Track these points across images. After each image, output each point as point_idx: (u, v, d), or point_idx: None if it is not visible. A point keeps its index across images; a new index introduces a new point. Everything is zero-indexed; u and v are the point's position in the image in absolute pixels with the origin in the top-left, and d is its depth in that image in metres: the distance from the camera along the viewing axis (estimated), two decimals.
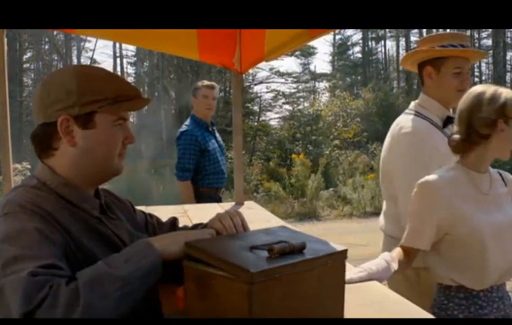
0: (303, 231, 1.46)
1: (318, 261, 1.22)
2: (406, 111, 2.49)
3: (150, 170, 15.16)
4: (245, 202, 3.24)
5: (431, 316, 1.44)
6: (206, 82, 4.41)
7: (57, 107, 1.29)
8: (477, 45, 33.45)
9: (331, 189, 13.62)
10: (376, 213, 11.50)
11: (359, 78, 35.22)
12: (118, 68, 30.17)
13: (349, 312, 1.40)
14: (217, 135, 4.52)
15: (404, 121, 2.38)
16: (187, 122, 4.33)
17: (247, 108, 24.95)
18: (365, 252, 7.40)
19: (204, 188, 4.21)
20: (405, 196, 2.16)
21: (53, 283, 1.04)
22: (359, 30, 34.04)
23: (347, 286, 1.37)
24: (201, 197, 4.14)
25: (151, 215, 1.72)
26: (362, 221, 11.05)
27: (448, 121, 2.36)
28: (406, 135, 2.30)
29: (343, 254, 1.32)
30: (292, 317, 1.17)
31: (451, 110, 2.42)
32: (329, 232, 9.43)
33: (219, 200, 4.23)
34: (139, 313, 1.21)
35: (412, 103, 2.50)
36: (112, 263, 1.15)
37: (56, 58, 27.93)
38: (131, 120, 30.47)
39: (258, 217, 2.77)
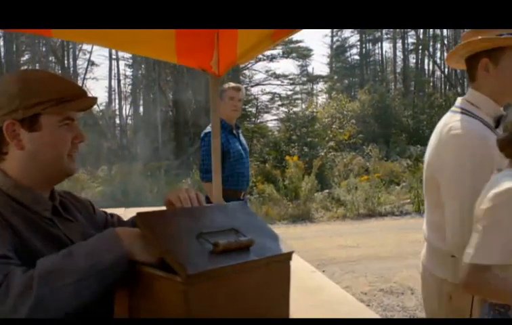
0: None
1: (262, 261, 1.24)
2: (453, 109, 2.21)
3: (145, 172, 15.14)
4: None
5: (374, 314, 1.46)
6: (232, 84, 4.46)
7: (1, 112, 1.32)
8: None
9: (326, 191, 13.63)
10: (370, 215, 11.56)
11: (356, 80, 35.22)
12: (115, 70, 30.22)
13: (300, 312, 1.42)
14: (242, 138, 4.55)
15: (454, 121, 2.09)
16: None
17: (244, 110, 24.94)
18: (354, 254, 7.45)
19: (225, 190, 4.24)
20: (454, 204, 1.99)
21: (8, 271, 1.08)
22: (356, 31, 34.10)
23: (300, 286, 1.39)
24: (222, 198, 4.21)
25: (112, 215, 1.73)
26: (355, 222, 11.06)
27: (501, 120, 2.05)
28: (457, 137, 2.03)
29: (288, 256, 1.33)
30: (233, 317, 1.18)
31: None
32: (321, 234, 9.45)
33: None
34: (92, 310, 1.23)
35: (459, 100, 2.23)
36: (74, 251, 1.18)
37: (53, 60, 27.92)
38: (129, 122, 30.55)
39: None
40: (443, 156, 2.09)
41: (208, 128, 4.30)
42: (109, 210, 1.75)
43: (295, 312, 1.40)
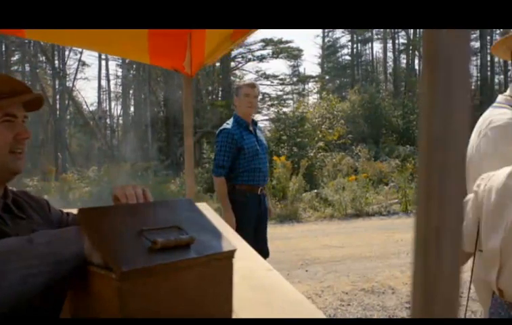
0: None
1: (201, 259, 1.25)
2: (494, 104, 2.09)
3: (133, 173, 15.12)
4: (197, 204, 3.26)
5: (322, 314, 1.46)
6: (247, 81, 4.53)
7: None
8: None
9: (314, 191, 13.65)
10: (357, 215, 11.59)
11: (347, 80, 35.33)
12: (104, 71, 30.12)
13: (248, 310, 1.43)
14: (259, 134, 4.60)
15: (493, 115, 1.98)
16: (230, 120, 4.45)
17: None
18: (338, 254, 7.46)
19: (240, 185, 4.28)
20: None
21: None
22: (347, 31, 34.18)
23: (255, 284, 1.40)
24: (237, 194, 4.25)
25: (68, 213, 1.74)
26: (342, 222, 11.09)
27: None
28: (495, 129, 1.91)
29: (230, 254, 1.33)
30: (171, 315, 1.19)
31: None
32: (307, 234, 9.47)
33: (256, 198, 4.32)
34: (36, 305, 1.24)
35: (500, 97, 2.10)
36: (35, 239, 1.18)
37: (44, 60, 27.82)
38: (119, 122, 30.48)
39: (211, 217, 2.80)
40: (481, 150, 1.96)
41: (225, 125, 4.40)
42: None
43: (242, 309, 1.41)
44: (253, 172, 4.32)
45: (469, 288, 1.90)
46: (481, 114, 2.11)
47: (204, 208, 3.31)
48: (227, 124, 4.40)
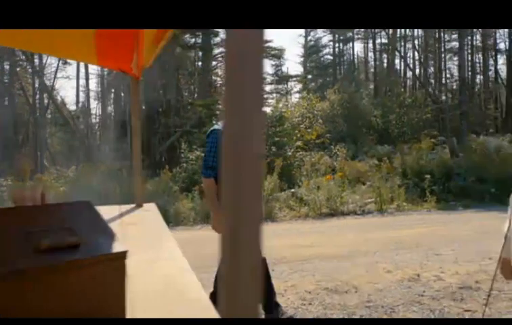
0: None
1: (88, 260, 1.25)
2: None
3: (111, 172, 15.03)
4: (144, 205, 3.27)
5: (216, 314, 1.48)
6: None
7: None
8: (448, 46, 33.98)
9: (291, 190, 13.70)
10: (331, 214, 11.64)
11: (330, 79, 35.47)
12: (83, 70, 29.89)
13: (150, 311, 1.45)
14: None
15: None
16: (220, 121, 4.38)
17: (218, 109, 24.92)
18: (306, 253, 7.50)
19: None
20: None
21: None
22: (328, 31, 34.31)
23: (168, 284, 1.40)
24: None
25: None
26: (317, 222, 11.14)
27: None
28: None
29: (121, 255, 1.34)
30: (58, 315, 1.20)
31: None
32: (280, 233, 9.50)
33: None
34: None
35: None
36: None
37: (23, 58, 27.52)
38: (98, 121, 30.25)
39: (147, 219, 2.82)
40: None
41: (216, 125, 4.35)
42: None
43: (137, 309, 1.42)
44: None
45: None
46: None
47: (151, 208, 3.32)
48: (218, 124, 4.37)
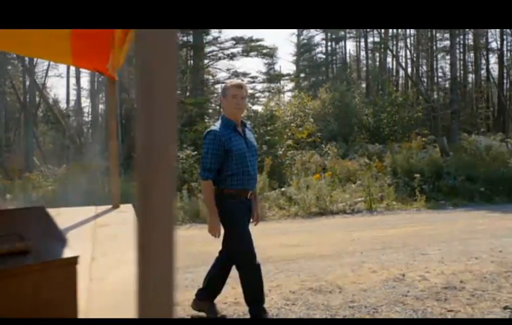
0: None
1: (37, 266, 1.24)
2: None
3: (100, 171, 14.96)
4: (121, 206, 3.25)
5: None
6: (234, 82, 4.38)
7: None
8: (440, 45, 34.09)
9: (281, 189, 13.69)
10: (321, 213, 11.64)
11: (322, 78, 35.50)
12: (73, 68, 29.77)
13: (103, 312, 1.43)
14: (249, 135, 4.46)
15: None
16: (218, 122, 4.33)
17: (209, 108, 24.95)
18: (293, 253, 7.49)
19: (228, 189, 4.18)
20: None
21: None
22: (320, 30, 34.33)
23: (116, 286, 1.39)
24: (225, 198, 4.16)
25: None
26: (306, 221, 11.14)
27: None
28: None
29: (71, 260, 1.33)
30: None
31: None
32: (268, 232, 9.47)
33: (246, 203, 4.26)
34: None
35: None
36: None
37: (14, 56, 27.37)
38: (89, 119, 30.14)
39: (120, 220, 2.80)
40: None
41: (212, 127, 4.28)
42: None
43: (92, 310, 1.41)
44: (242, 175, 4.22)
45: None
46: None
47: (127, 209, 3.30)
48: (215, 125, 4.30)
